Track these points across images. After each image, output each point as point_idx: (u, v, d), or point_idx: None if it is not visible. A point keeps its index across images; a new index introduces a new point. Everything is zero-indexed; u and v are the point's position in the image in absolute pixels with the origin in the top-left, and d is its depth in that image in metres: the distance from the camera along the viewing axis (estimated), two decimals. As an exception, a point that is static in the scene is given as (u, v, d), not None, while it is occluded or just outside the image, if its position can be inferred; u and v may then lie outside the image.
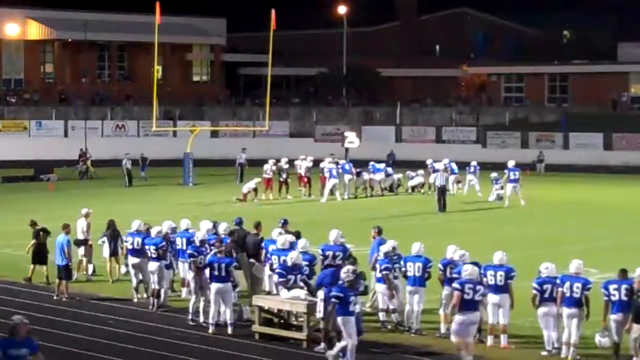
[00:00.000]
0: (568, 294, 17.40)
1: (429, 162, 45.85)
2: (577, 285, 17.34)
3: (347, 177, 43.79)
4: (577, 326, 17.42)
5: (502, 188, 42.07)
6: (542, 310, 17.76)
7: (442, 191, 38.96)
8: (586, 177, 57.05)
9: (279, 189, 44.32)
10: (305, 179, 44.84)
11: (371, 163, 46.51)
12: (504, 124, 74.67)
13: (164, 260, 21.54)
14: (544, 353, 17.86)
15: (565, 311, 17.46)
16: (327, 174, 43.40)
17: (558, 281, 17.60)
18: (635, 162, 62.07)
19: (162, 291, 21.61)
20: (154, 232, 22.00)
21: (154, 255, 21.48)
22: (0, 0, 75.47)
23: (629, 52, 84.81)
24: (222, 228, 22.53)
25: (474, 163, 45.93)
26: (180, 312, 20.94)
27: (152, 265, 21.57)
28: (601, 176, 57.92)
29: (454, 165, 45.23)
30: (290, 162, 45.67)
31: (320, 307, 18.19)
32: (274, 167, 44.47)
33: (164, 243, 21.63)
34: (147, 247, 21.64)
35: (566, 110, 77.57)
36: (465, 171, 45.74)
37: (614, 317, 17.18)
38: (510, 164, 41.62)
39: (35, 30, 78.44)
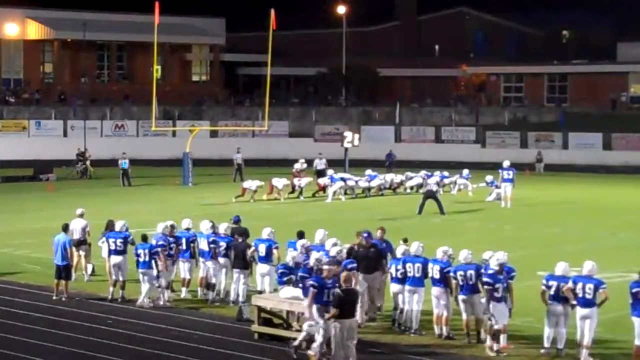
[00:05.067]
0: (580, 295, 17.15)
1: (422, 172, 46.38)
2: (590, 287, 17.05)
3: (338, 184, 43.77)
4: (589, 328, 17.15)
5: (497, 187, 42.10)
6: (551, 308, 17.56)
7: (428, 196, 38.60)
8: (585, 177, 57.05)
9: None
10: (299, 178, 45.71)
11: (367, 172, 46.53)
12: (504, 123, 74.68)
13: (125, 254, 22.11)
14: (542, 351, 17.72)
15: (579, 312, 17.29)
16: (328, 179, 44.21)
17: (571, 283, 17.25)
18: (635, 161, 62.07)
19: (146, 289, 21.71)
20: (118, 226, 22.59)
21: (119, 249, 22.04)
22: (0, 0, 75.44)
23: (628, 52, 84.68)
24: (222, 228, 22.53)
25: (466, 171, 46.23)
26: (180, 312, 20.93)
27: (116, 259, 22.04)
28: (600, 176, 57.93)
29: (446, 173, 46.14)
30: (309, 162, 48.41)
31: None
32: (304, 165, 46.50)
33: (130, 236, 22.32)
34: (111, 239, 22.16)
35: (565, 110, 77.54)
36: (458, 176, 45.98)
37: None
38: (505, 163, 41.56)
39: (34, 30, 78.42)
